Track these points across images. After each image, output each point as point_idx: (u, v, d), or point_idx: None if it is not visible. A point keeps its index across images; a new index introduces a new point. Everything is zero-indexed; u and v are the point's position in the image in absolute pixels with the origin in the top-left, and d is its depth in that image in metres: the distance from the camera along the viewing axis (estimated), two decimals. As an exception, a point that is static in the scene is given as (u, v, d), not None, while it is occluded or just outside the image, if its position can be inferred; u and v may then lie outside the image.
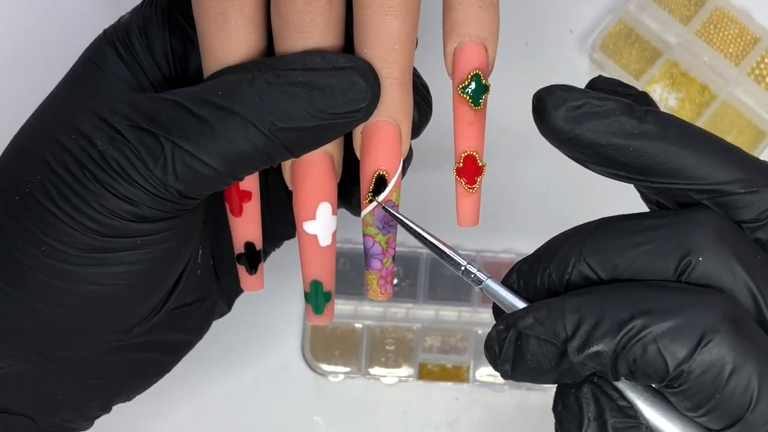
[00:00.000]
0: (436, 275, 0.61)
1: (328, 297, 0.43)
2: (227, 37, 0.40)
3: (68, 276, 0.40)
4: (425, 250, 0.60)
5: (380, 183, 0.41)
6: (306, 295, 0.43)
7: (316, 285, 0.43)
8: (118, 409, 0.47)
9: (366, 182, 0.41)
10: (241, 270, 0.45)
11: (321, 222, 0.42)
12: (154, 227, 0.40)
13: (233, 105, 0.38)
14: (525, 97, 0.64)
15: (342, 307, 0.60)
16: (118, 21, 0.43)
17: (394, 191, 0.41)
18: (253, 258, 0.44)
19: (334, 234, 0.42)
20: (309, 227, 0.42)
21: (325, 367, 0.60)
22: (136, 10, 0.43)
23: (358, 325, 0.60)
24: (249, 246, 0.44)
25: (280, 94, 0.39)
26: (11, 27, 0.62)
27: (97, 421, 0.47)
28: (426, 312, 0.61)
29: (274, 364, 0.60)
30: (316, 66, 0.39)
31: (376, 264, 0.42)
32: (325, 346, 0.60)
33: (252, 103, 0.38)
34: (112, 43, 0.43)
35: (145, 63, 0.43)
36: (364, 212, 0.42)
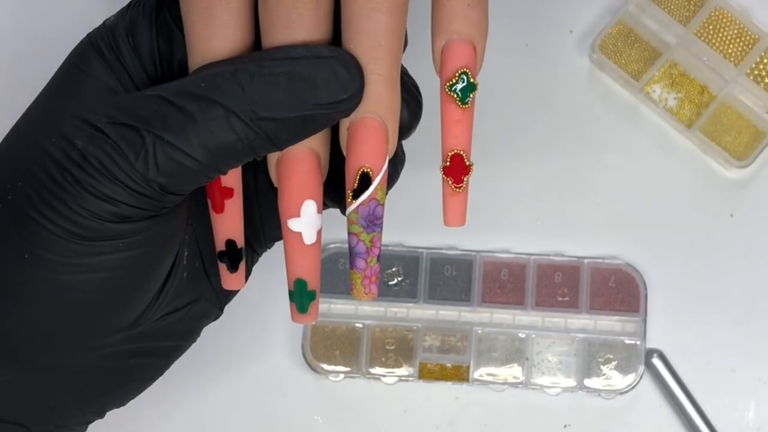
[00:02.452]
0: (436, 275, 0.61)
1: (312, 296, 0.43)
2: (213, 31, 0.40)
3: (53, 283, 0.40)
4: (425, 250, 0.61)
5: (364, 181, 0.40)
6: (290, 293, 0.43)
7: (300, 283, 0.42)
8: (115, 410, 0.47)
9: (350, 180, 0.40)
10: (222, 268, 0.44)
11: (305, 219, 0.41)
12: (136, 227, 0.40)
13: (215, 95, 0.38)
14: (524, 97, 0.64)
15: (342, 307, 0.60)
16: (103, 23, 0.43)
17: (378, 189, 0.40)
18: (234, 256, 0.44)
19: (320, 232, 0.42)
20: (293, 225, 0.41)
21: (325, 367, 0.60)
22: (122, 12, 0.43)
23: (358, 325, 0.60)
24: (230, 244, 0.44)
25: (262, 83, 0.38)
26: (11, 27, 0.63)
27: (94, 424, 0.47)
28: (426, 312, 0.61)
29: (274, 364, 0.61)
30: (298, 55, 0.39)
31: (360, 263, 0.41)
32: (325, 346, 0.60)
33: (234, 93, 0.38)
34: (97, 47, 0.42)
35: (131, 65, 0.42)
36: (349, 210, 0.41)
